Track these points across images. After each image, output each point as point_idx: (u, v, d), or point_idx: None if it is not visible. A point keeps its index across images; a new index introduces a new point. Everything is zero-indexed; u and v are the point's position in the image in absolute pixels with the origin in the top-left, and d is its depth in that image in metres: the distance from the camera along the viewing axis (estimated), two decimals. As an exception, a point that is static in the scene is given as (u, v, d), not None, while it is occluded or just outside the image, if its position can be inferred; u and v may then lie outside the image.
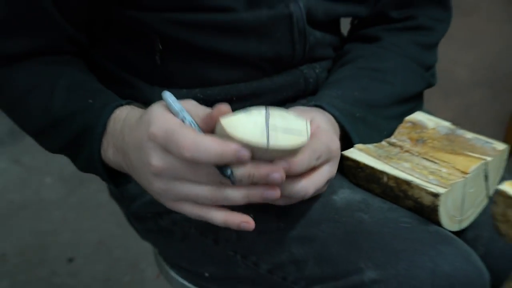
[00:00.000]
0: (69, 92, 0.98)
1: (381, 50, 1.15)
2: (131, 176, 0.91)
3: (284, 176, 0.75)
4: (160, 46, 1.04)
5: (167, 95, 0.79)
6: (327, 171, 0.86)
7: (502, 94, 2.63)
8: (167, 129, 0.75)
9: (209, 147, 0.72)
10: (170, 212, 1.03)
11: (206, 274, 1.09)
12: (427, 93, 1.24)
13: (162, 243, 1.17)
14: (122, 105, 0.92)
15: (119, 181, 0.98)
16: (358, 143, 0.99)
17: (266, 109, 0.78)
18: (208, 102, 1.00)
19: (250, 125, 0.75)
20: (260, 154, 0.75)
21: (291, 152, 0.77)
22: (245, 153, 0.72)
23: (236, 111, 0.75)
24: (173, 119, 0.77)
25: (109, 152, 0.91)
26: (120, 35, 1.08)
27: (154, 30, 1.02)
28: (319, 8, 1.09)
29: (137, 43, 1.06)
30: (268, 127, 0.75)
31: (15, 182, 2.35)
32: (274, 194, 0.77)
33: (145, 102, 0.99)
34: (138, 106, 0.93)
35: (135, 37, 1.06)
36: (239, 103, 1.06)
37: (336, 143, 0.89)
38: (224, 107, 0.74)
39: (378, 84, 1.09)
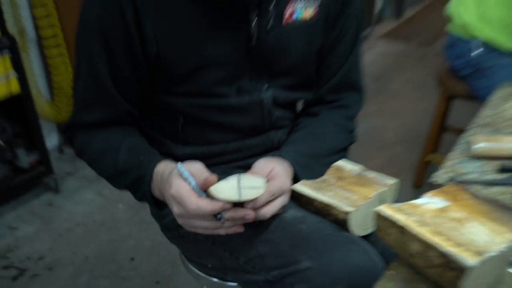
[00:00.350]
0: (128, 152, 0.99)
1: (320, 121, 1.13)
2: None
3: (253, 214, 0.83)
4: (182, 120, 1.04)
5: (181, 169, 0.84)
6: (280, 201, 0.89)
7: (416, 149, 2.60)
8: (180, 194, 0.82)
9: (205, 207, 0.80)
10: None
11: (209, 265, 1.11)
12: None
13: (182, 245, 1.16)
14: (159, 161, 0.95)
15: (161, 206, 1.00)
16: (303, 180, 1.00)
17: (238, 176, 0.85)
18: (211, 155, 1.06)
19: (228, 188, 0.82)
20: (237, 204, 0.82)
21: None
22: (227, 207, 0.80)
23: (220, 181, 0.83)
24: (184, 185, 0.82)
25: (156, 191, 0.94)
26: (157, 112, 1.07)
27: (178, 109, 1.02)
28: (281, 96, 1.07)
29: (167, 117, 1.05)
30: (239, 188, 0.83)
31: (98, 207, 2.32)
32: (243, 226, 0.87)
33: (171, 154, 1.07)
34: (169, 162, 0.95)
35: (166, 113, 1.05)
36: (229, 155, 1.08)
37: (287, 184, 0.92)
38: (213, 178, 0.82)
39: (319, 142, 1.08)
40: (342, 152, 1.13)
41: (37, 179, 2.35)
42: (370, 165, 2.76)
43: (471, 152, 0.99)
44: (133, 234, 2.15)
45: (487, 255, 0.61)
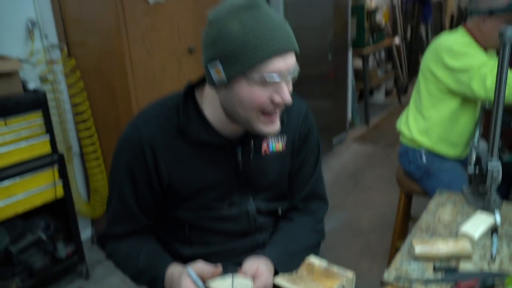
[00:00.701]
0: (146, 257, 1.06)
1: (295, 225, 1.17)
2: None
3: None
4: (188, 227, 1.11)
5: (191, 272, 0.92)
6: None
7: (388, 236, 2.58)
8: None
9: None
10: None
11: None
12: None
13: None
14: (170, 264, 1.02)
15: None
16: (281, 273, 1.04)
17: (232, 276, 0.93)
18: (211, 254, 1.12)
19: (225, 285, 0.91)
20: None
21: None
22: None
23: (218, 276, 0.93)
24: (191, 285, 0.91)
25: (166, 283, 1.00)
26: (168, 222, 1.13)
27: (185, 220, 1.10)
28: (263, 207, 1.14)
29: (176, 226, 1.12)
30: (233, 285, 0.91)
31: None
32: None
33: (179, 253, 1.13)
34: (177, 265, 1.02)
35: (175, 223, 1.11)
36: (224, 254, 1.13)
37: (270, 280, 1.00)
38: (219, 270, 0.92)
39: (294, 243, 1.12)
40: (313, 248, 1.17)
41: (71, 268, 2.35)
42: (350, 250, 2.77)
43: (413, 254, 1.05)
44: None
45: None
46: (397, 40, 5.13)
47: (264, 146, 1.10)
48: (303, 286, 0.99)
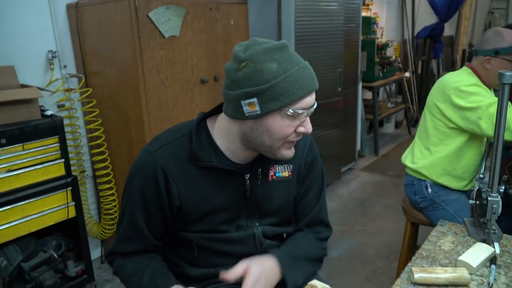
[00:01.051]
0: (150, 276, 1.09)
1: (300, 235, 1.22)
2: None
3: None
4: (196, 249, 1.15)
5: None
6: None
7: (394, 264, 2.60)
8: None
9: None
10: None
11: None
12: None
13: None
14: (172, 286, 1.05)
15: None
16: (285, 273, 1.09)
17: None
18: (217, 275, 1.10)
19: None
20: None
21: None
22: None
23: None
24: None
25: None
26: (177, 243, 1.17)
27: (193, 241, 1.14)
28: (269, 231, 1.19)
29: (185, 247, 1.15)
30: None
31: None
32: None
33: (186, 274, 1.16)
34: (180, 286, 1.05)
35: (184, 244, 1.15)
36: None
37: (257, 272, 1.04)
38: None
39: (298, 250, 1.18)
40: (316, 262, 1.21)
41: (81, 286, 2.38)
42: (356, 277, 2.79)
43: (412, 280, 1.08)
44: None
45: None
46: (407, 74, 5.21)
47: (271, 172, 1.15)
48: None
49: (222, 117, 1.09)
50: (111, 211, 2.57)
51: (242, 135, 1.04)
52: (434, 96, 2.03)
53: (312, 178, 1.23)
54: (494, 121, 1.72)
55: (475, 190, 1.39)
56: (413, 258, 1.18)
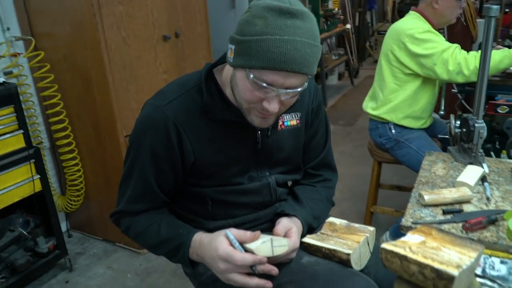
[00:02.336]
0: (168, 226, 1.08)
1: (317, 191, 1.25)
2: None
3: (277, 270, 0.98)
4: (210, 202, 1.14)
5: (229, 234, 0.97)
6: (294, 254, 1.05)
7: (357, 203, 2.74)
8: (227, 252, 0.95)
9: (248, 259, 0.93)
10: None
11: None
12: None
13: None
14: (195, 232, 1.05)
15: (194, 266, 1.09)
16: (306, 235, 1.11)
17: (270, 238, 0.98)
18: (235, 225, 1.11)
19: (263, 247, 0.95)
20: (270, 258, 0.95)
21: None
22: (264, 260, 0.94)
23: (258, 239, 0.97)
24: (228, 246, 0.95)
25: (193, 255, 1.04)
26: (189, 198, 1.15)
27: (208, 196, 1.12)
28: (280, 179, 1.20)
29: (198, 202, 1.14)
30: (272, 247, 0.96)
31: (110, 279, 2.29)
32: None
33: (203, 228, 1.14)
34: (204, 232, 1.05)
35: (197, 199, 1.14)
36: (248, 224, 1.16)
37: (298, 243, 1.06)
38: (257, 234, 0.96)
39: (317, 208, 1.21)
40: (328, 212, 1.28)
41: (54, 261, 2.31)
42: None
43: (422, 202, 1.18)
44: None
45: (463, 267, 0.77)
46: (348, 26, 5.35)
47: (280, 122, 1.15)
48: (333, 243, 1.06)
49: (228, 66, 1.05)
50: (76, 182, 2.47)
51: (230, 82, 1.02)
52: (388, 44, 2.14)
53: (319, 123, 1.24)
54: (448, 66, 1.89)
55: (453, 124, 1.52)
56: (415, 184, 1.29)
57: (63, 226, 2.68)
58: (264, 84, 0.90)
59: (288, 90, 0.92)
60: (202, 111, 1.05)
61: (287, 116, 1.16)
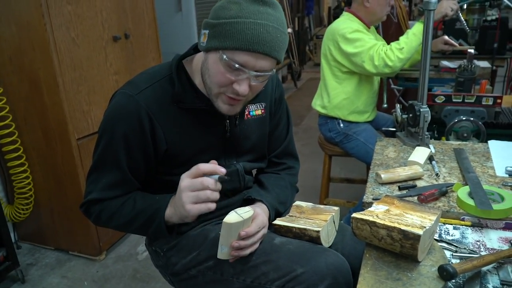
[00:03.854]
0: (143, 198, 1.09)
1: (281, 178, 1.29)
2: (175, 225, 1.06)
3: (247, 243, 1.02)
4: None
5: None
6: (262, 232, 1.07)
7: (310, 197, 2.80)
8: (195, 166, 0.98)
9: (210, 165, 0.97)
10: (195, 266, 1.14)
11: None
12: None
13: (189, 285, 1.19)
14: (172, 195, 1.05)
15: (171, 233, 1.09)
16: (274, 220, 1.14)
17: (233, 210, 1.01)
18: (206, 212, 1.06)
19: (232, 217, 0.98)
20: (238, 225, 0.97)
21: (249, 221, 1.01)
22: (223, 171, 0.98)
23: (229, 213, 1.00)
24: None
25: (167, 211, 1.04)
26: (159, 187, 1.15)
27: (177, 183, 1.06)
28: (247, 166, 1.23)
29: (168, 189, 1.11)
30: (239, 214, 0.99)
31: None
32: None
33: None
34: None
35: (167, 187, 1.12)
36: (219, 211, 1.13)
37: (266, 220, 1.09)
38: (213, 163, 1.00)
39: (282, 193, 1.24)
40: (293, 197, 1.32)
41: (4, 273, 2.18)
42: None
43: (379, 181, 1.26)
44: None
45: (426, 227, 0.85)
46: (289, 30, 5.49)
47: (246, 112, 1.18)
48: (303, 223, 1.11)
49: (198, 57, 1.08)
50: (24, 190, 2.35)
51: (201, 69, 1.04)
52: (326, 44, 2.28)
53: (281, 113, 1.29)
54: (374, 62, 2.04)
55: (398, 112, 1.64)
56: (371, 166, 1.37)
57: (11, 237, 2.54)
58: (237, 65, 0.93)
59: (258, 73, 0.96)
60: (173, 100, 1.06)
61: (253, 106, 1.19)
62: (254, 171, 1.34)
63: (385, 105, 2.60)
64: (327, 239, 1.12)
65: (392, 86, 2.93)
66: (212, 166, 0.99)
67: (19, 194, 2.36)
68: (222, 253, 1.02)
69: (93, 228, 2.35)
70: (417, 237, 0.83)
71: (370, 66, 2.06)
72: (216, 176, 0.97)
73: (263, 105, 1.21)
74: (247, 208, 1.03)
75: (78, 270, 2.35)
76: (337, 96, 2.28)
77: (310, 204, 1.21)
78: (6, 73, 2.16)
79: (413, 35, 2.01)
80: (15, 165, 2.30)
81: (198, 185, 0.97)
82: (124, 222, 1.09)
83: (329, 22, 7.49)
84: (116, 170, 1.08)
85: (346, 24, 2.16)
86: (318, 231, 1.07)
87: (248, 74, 0.96)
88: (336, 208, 1.17)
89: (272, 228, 1.15)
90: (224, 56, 0.93)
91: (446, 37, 2.38)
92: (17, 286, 2.24)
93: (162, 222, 1.04)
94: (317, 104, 2.42)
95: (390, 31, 3.31)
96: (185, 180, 0.99)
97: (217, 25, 0.94)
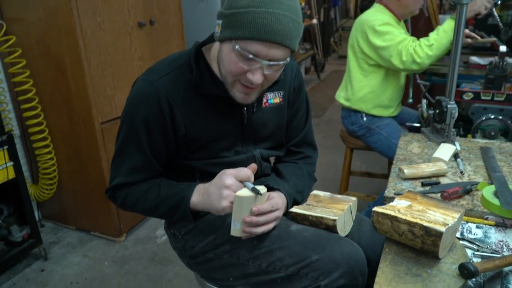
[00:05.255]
0: (167, 185, 1.11)
1: (299, 167, 1.29)
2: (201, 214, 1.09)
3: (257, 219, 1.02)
4: (199, 175, 1.17)
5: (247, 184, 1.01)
6: (276, 213, 1.07)
7: (330, 190, 2.82)
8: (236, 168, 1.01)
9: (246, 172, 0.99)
10: (212, 250, 1.16)
11: (231, 279, 1.16)
12: None
13: (207, 267, 1.20)
14: (197, 184, 1.09)
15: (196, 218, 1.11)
16: (291, 208, 1.14)
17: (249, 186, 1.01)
18: None
19: (245, 190, 0.98)
20: (250, 200, 0.98)
21: (263, 199, 1.02)
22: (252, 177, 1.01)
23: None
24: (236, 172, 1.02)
25: (196, 205, 1.06)
26: (177, 171, 1.18)
27: (196, 168, 1.16)
28: (264, 153, 1.24)
29: (186, 174, 1.17)
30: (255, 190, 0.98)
31: (86, 267, 2.26)
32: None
33: None
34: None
35: (185, 171, 1.17)
36: None
37: (280, 203, 1.10)
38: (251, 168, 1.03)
39: (300, 182, 1.24)
40: (311, 186, 1.32)
41: (28, 250, 2.25)
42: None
43: (402, 176, 1.25)
44: (123, 284, 2.13)
45: (449, 224, 0.83)
46: (314, 21, 5.44)
47: (264, 99, 1.19)
48: (319, 211, 1.11)
49: (216, 45, 1.09)
50: (49, 171, 2.41)
51: (217, 58, 1.06)
52: (354, 35, 2.23)
53: (300, 102, 1.29)
54: (402, 57, 1.99)
55: (424, 107, 1.61)
56: (394, 161, 1.36)
57: (36, 216, 2.61)
58: (249, 55, 0.94)
59: (271, 63, 0.96)
60: (192, 86, 1.08)
61: (271, 94, 1.20)
62: (272, 159, 1.34)
63: (411, 100, 2.56)
64: (343, 228, 1.12)
65: (419, 81, 2.87)
66: (252, 175, 1.01)
67: (44, 174, 2.42)
68: (235, 229, 1.03)
69: (114, 210, 2.39)
70: (439, 234, 0.82)
71: (397, 61, 2.02)
72: (251, 185, 0.99)
73: (281, 94, 1.22)
74: (261, 186, 1.03)
75: (98, 250, 2.40)
76: (362, 89, 2.25)
77: (327, 193, 1.20)
78: (33, 56, 2.21)
79: (444, 32, 1.96)
80: (40, 146, 2.35)
81: None
82: (150, 208, 1.12)
83: (356, 14, 7.40)
84: (139, 154, 1.10)
85: (377, 16, 2.12)
86: (334, 220, 1.07)
87: (261, 63, 0.96)
88: (354, 198, 1.17)
89: (289, 215, 1.15)
90: (237, 46, 0.94)
91: (466, 30, 2.31)
92: (40, 263, 2.30)
93: (188, 210, 1.07)
94: (341, 96, 2.40)
95: (419, 25, 3.24)
96: (231, 178, 1.00)
97: (229, 15, 0.94)
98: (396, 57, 2.02)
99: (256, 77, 0.98)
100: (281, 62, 0.98)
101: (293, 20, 0.95)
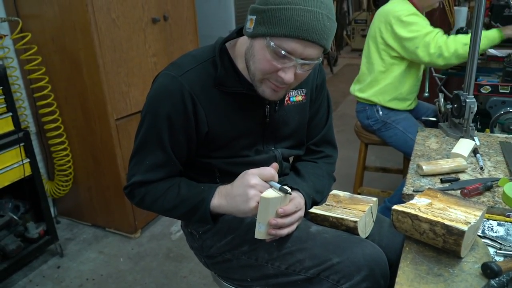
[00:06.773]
0: (187, 186, 1.09)
1: (318, 167, 1.27)
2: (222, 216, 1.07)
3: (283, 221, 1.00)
4: (218, 174, 1.16)
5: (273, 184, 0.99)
6: (299, 214, 1.05)
7: (345, 185, 2.76)
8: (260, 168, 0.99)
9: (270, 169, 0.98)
10: (230, 250, 1.15)
11: (249, 280, 1.14)
12: None
13: (225, 267, 1.19)
14: (218, 186, 1.06)
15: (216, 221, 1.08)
16: (310, 208, 1.13)
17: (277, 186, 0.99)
18: None
19: (272, 192, 0.96)
20: (276, 202, 0.96)
21: (286, 200, 1.00)
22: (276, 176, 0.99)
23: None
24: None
25: (217, 208, 1.04)
26: (197, 170, 1.17)
27: (216, 167, 1.14)
28: (285, 153, 1.22)
29: (206, 173, 1.15)
30: (283, 189, 0.96)
31: (102, 263, 2.28)
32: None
33: None
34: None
35: (205, 170, 1.15)
36: None
37: (302, 203, 1.08)
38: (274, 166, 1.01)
39: (319, 182, 1.23)
40: (330, 186, 1.30)
41: (44, 247, 2.28)
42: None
43: (420, 172, 1.23)
44: (138, 280, 2.15)
45: (471, 223, 0.82)
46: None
47: (286, 97, 1.17)
48: (340, 212, 1.10)
49: (242, 41, 1.08)
50: (64, 167, 2.44)
51: (245, 54, 1.04)
52: (377, 26, 2.19)
53: (322, 100, 1.27)
54: (430, 49, 1.96)
55: (441, 102, 1.59)
56: (411, 158, 1.34)
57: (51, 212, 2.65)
58: (284, 52, 0.92)
59: (305, 61, 0.94)
60: (216, 83, 1.06)
61: (293, 92, 1.18)
62: (291, 158, 1.33)
63: (427, 94, 2.53)
64: (364, 230, 1.10)
65: (434, 74, 2.83)
66: (276, 174, 1.00)
67: (59, 171, 2.45)
68: (260, 232, 1.00)
69: (129, 207, 2.41)
70: (461, 233, 0.80)
71: (424, 53, 1.98)
72: (278, 185, 0.97)
73: (304, 91, 1.20)
74: (287, 187, 1.01)
75: (114, 246, 2.43)
76: (382, 81, 2.22)
77: (347, 193, 1.19)
78: (48, 53, 2.23)
79: (484, 37, 1.89)
80: (56, 143, 2.38)
81: None
82: (168, 208, 1.10)
83: (369, 7, 7.31)
84: (160, 150, 1.08)
85: (402, 6, 2.09)
86: (355, 221, 1.06)
87: (294, 61, 0.94)
88: (375, 199, 1.15)
89: (309, 216, 1.14)
90: (272, 43, 0.92)
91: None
92: (56, 259, 2.34)
93: (208, 212, 1.05)
94: (356, 89, 2.37)
95: (434, 17, 3.19)
96: (256, 178, 0.99)
97: (265, 11, 0.92)
98: (423, 49, 1.98)
99: (288, 76, 0.96)
100: (314, 62, 0.96)
101: (330, 19, 0.93)
